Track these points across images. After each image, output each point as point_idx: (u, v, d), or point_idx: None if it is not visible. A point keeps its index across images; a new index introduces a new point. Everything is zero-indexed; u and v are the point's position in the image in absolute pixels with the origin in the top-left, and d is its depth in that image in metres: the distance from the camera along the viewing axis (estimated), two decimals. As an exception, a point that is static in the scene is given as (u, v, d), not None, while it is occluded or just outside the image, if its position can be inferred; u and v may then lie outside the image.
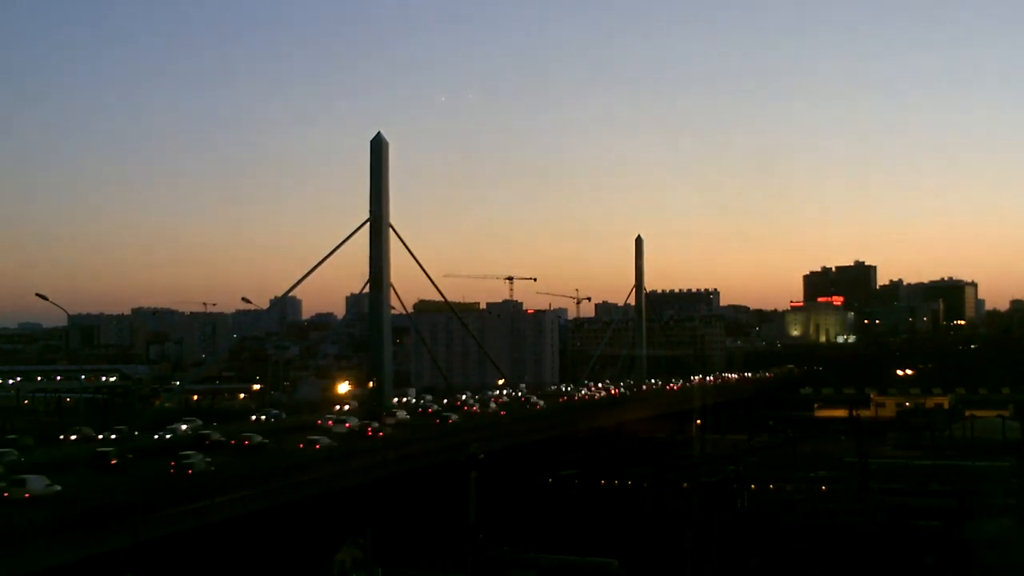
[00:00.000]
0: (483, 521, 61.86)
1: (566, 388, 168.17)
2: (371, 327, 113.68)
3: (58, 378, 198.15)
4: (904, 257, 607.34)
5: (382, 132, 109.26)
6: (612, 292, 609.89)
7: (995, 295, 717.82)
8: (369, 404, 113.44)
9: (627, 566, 66.55)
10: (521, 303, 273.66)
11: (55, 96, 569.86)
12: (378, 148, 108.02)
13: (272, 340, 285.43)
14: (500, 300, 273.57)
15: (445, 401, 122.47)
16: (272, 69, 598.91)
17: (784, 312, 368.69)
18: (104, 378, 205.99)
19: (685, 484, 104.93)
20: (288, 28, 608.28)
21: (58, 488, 50.20)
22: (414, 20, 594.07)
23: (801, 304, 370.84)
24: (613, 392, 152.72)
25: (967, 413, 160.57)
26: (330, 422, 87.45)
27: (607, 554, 67.25)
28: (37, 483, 50.42)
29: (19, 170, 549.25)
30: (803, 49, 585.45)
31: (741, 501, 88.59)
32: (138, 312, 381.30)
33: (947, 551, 69.56)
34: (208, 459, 61.96)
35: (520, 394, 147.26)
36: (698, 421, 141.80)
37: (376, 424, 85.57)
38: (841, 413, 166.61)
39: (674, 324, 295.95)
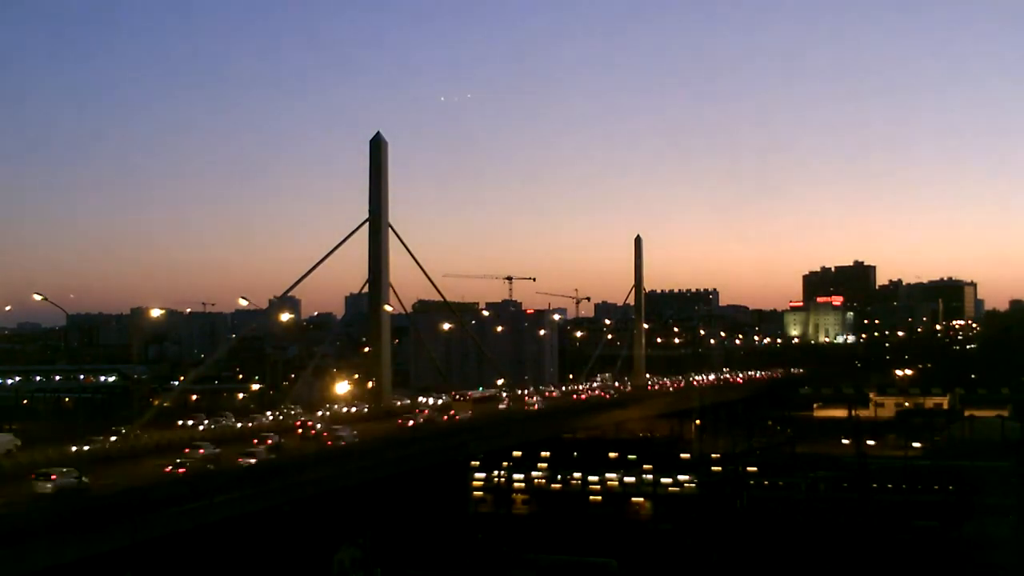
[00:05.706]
0: (483, 521, 61.81)
1: (565, 388, 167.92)
2: (370, 327, 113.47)
3: (57, 378, 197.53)
4: (904, 257, 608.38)
5: (382, 132, 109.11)
6: (612, 292, 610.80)
7: (995, 295, 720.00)
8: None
9: (627, 566, 66.59)
10: (520, 303, 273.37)
11: (54, 96, 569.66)
12: (377, 148, 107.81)
13: (271, 340, 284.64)
14: (500, 300, 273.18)
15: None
16: (272, 69, 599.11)
17: (783, 312, 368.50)
18: (103, 378, 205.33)
19: (687, 484, 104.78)
20: (288, 27, 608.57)
21: None
22: (414, 20, 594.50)
23: (800, 304, 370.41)
24: (603, 395, 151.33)
25: (966, 413, 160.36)
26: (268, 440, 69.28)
27: (607, 554, 67.29)
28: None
29: (18, 170, 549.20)
30: (803, 48, 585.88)
31: (741, 501, 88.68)
32: (137, 312, 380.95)
33: (947, 551, 69.59)
34: None
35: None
36: (697, 421, 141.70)
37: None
38: (840, 413, 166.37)
39: (673, 324, 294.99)
